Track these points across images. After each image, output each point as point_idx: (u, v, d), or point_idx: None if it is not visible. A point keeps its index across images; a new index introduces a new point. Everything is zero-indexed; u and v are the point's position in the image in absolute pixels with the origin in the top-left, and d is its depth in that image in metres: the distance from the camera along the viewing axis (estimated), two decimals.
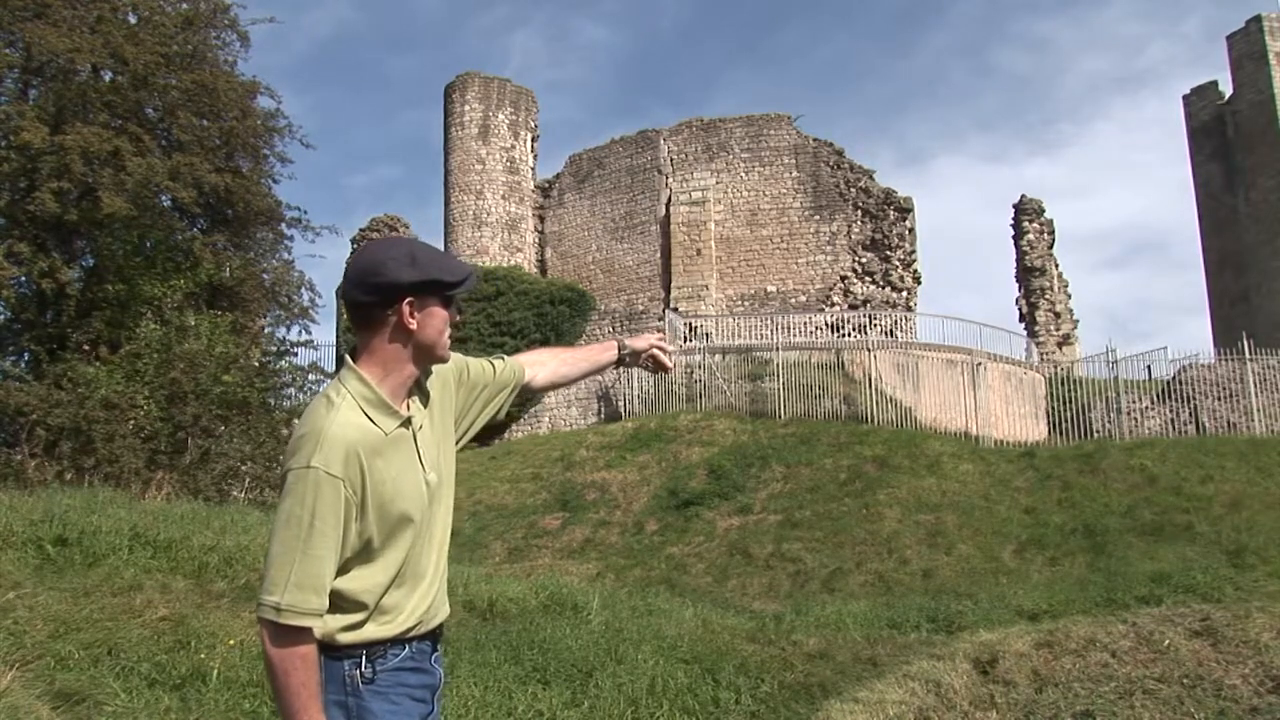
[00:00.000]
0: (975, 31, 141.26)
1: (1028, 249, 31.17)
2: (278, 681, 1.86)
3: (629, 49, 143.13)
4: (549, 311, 26.61)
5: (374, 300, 1.97)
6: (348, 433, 1.90)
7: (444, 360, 2.10)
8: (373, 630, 1.96)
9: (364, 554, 1.95)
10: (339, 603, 1.93)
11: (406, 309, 1.97)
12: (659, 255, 32.21)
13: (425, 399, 2.11)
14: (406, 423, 2.01)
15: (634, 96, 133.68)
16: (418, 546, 2.03)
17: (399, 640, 1.99)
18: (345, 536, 1.90)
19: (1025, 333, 29.11)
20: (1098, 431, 20.16)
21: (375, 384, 1.97)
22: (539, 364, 2.44)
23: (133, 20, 15.56)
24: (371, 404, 1.95)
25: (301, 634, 1.86)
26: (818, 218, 30.97)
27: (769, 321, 26.48)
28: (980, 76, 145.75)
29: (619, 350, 2.56)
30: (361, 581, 1.95)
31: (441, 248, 31.49)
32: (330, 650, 1.93)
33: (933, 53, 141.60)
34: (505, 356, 2.39)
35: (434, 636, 2.12)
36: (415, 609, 2.03)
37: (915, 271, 29.73)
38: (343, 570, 1.92)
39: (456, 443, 2.25)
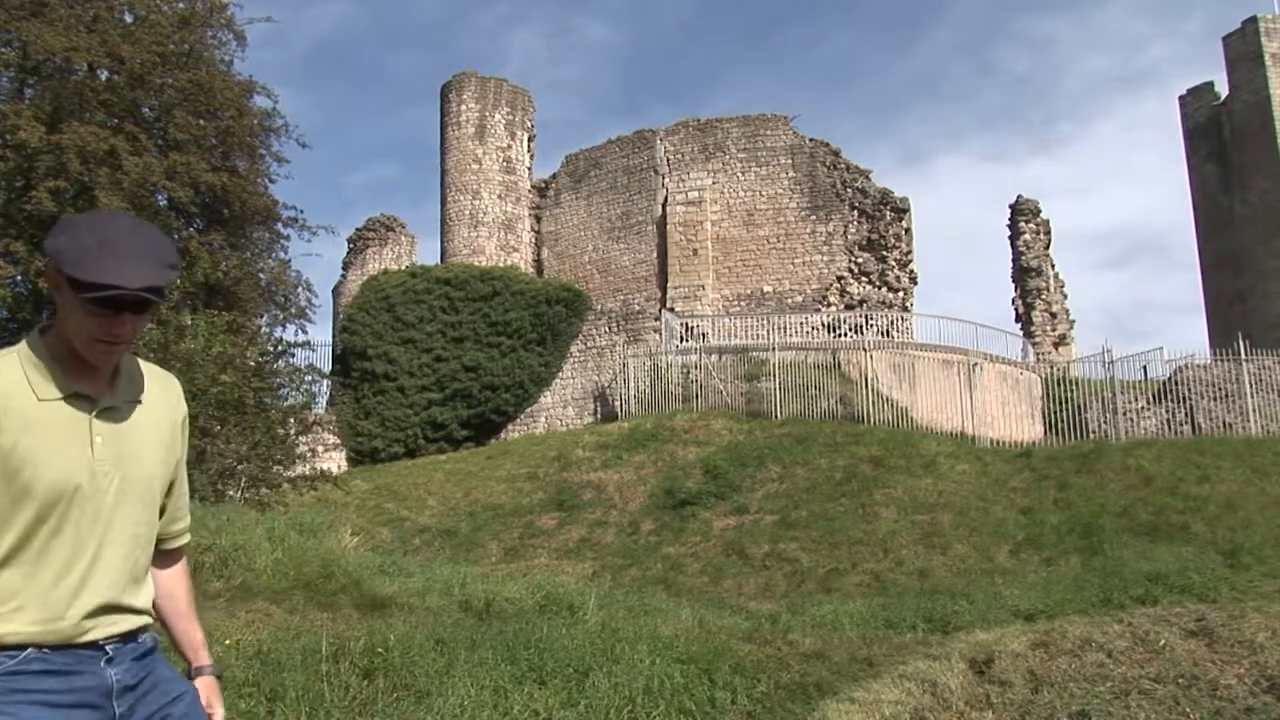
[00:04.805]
0: (976, 30, 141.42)
1: (1024, 249, 31.21)
2: None
3: (630, 47, 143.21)
4: (545, 311, 26.62)
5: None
6: None
7: (93, 364, 1.82)
8: None
9: None
10: None
11: (54, 279, 1.77)
12: (655, 255, 32.20)
13: (136, 393, 1.91)
14: (81, 399, 1.81)
15: (634, 95, 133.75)
16: (62, 532, 1.77)
17: (21, 644, 1.71)
18: None
19: (1021, 333, 29.16)
20: (1094, 432, 20.20)
21: (48, 348, 1.81)
22: (158, 574, 2.11)
23: (129, 19, 15.56)
24: (33, 365, 1.79)
25: None
26: (814, 218, 30.98)
27: (765, 321, 26.49)
28: (981, 75, 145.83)
29: (195, 664, 2.17)
30: None
31: (439, 247, 30.22)
32: None
33: (933, 51, 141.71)
34: (187, 519, 2.14)
35: (100, 644, 1.84)
36: (51, 606, 1.76)
37: (911, 271, 29.75)
38: None
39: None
